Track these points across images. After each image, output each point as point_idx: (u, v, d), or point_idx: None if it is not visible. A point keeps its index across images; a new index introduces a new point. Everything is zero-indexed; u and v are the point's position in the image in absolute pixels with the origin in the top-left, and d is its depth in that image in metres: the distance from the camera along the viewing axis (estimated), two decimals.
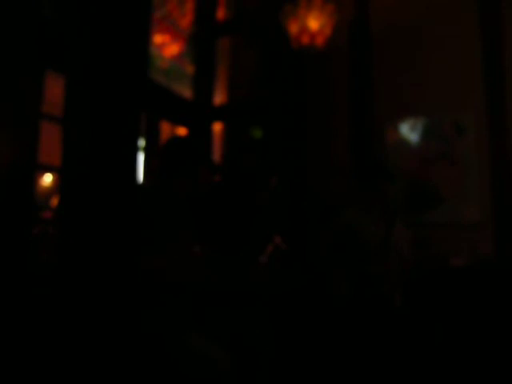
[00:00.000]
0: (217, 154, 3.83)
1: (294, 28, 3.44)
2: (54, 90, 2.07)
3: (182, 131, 3.62)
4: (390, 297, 2.59)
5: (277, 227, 3.13)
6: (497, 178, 3.51)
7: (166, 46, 3.44)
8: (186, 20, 3.65)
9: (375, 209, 2.78)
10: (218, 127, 3.91)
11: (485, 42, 3.66)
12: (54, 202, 2.53)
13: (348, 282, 2.61)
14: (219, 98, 3.91)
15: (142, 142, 3.04)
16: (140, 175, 2.96)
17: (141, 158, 3.06)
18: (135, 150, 2.27)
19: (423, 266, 3.28)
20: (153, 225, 1.88)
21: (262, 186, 3.21)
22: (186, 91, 3.55)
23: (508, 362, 2.70)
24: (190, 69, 3.64)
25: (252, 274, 2.42)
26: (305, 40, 3.43)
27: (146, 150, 3.14)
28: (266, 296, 2.39)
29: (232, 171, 3.72)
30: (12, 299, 1.69)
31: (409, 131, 3.89)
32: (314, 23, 3.42)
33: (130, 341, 1.73)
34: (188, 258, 2.04)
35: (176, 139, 2.47)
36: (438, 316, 2.96)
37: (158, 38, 3.34)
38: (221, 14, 3.99)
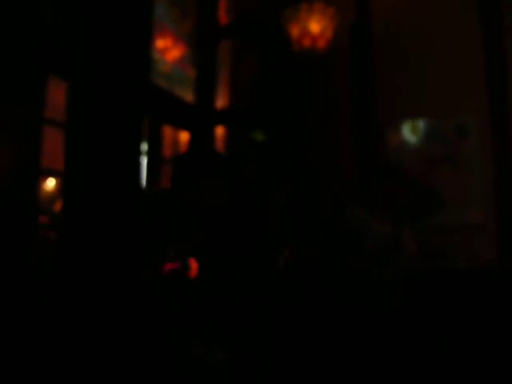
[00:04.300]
0: None
1: (295, 31, 3.45)
2: (57, 95, 2.08)
3: (184, 136, 3.62)
4: (394, 301, 2.55)
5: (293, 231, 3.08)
6: (500, 181, 3.50)
7: (168, 51, 3.44)
8: (187, 24, 3.66)
9: (379, 208, 2.70)
10: (220, 131, 3.91)
11: (487, 43, 3.65)
12: (57, 206, 2.52)
13: (353, 285, 2.54)
14: (221, 101, 3.91)
15: (144, 147, 3.04)
16: (143, 180, 2.96)
17: (143, 162, 3.06)
18: (138, 154, 2.28)
19: (425, 269, 3.26)
20: (158, 231, 1.88)
21: (277, 186, 3.15)
22: (188, 95, 3.55)
23: (510, 368, 2.68)
24: (191, 73, 3.64)
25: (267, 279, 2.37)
26: (306, 43, 3.43)
27: (149, 155, 3.14)
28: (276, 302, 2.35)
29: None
30: (13, 303, 1.68)
31: (411, 134, 3.89)
32: (315, 26, 3.42)
33: (131, 345, 1.73)
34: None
35: (190, 153, 2.47)
36: (440, 321, 2.94)
37: (159, 43, 3.34)
38: (222, 17, 3.99)
